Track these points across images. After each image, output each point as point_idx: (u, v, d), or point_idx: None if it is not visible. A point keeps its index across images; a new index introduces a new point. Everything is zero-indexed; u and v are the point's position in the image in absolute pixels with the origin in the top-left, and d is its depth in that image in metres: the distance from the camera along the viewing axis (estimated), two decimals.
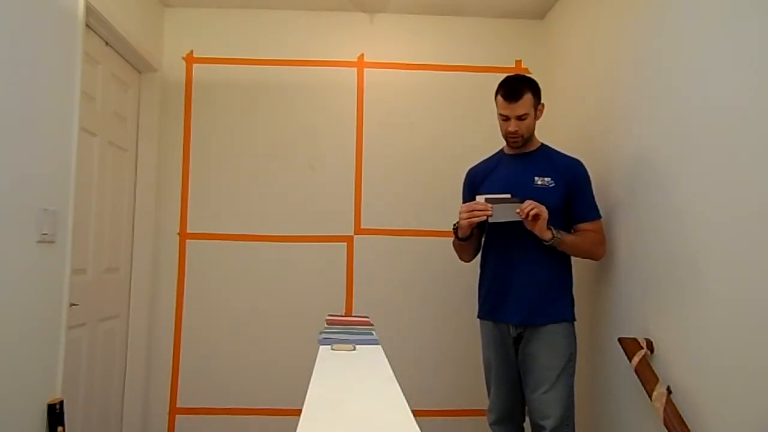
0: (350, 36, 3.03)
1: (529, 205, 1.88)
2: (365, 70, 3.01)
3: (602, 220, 2.10)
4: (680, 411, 1.64)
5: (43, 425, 1.87)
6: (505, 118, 2.06)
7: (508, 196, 1.97)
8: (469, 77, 2.99)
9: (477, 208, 1.97)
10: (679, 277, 1.74)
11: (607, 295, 2.19)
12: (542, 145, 2.16)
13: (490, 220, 1.97)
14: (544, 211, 1.89)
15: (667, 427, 1.63)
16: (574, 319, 2.07)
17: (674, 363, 1.75)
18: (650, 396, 1.73)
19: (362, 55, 3.02)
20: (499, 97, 2.06)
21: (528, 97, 2.02)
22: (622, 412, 2.06)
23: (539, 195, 1.97)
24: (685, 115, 1.75)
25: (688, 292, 1.69)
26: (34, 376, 1.85)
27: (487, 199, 1.98)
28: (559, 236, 1.95)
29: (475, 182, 2.20)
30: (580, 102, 2.58)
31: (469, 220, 1.99)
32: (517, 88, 2.03)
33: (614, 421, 2.13)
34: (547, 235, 1.93)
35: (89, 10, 2.13)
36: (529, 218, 1.89)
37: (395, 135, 2.99)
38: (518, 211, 1.90)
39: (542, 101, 2.10)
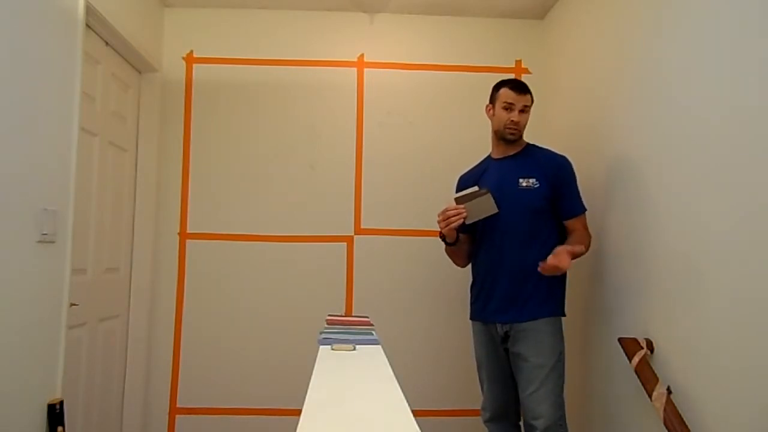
0: (350, 36, 3.02)
1: (549, 270, 1.91)
2: (365, 70, 3.01)
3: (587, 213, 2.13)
4: (680, 411, 1.64)
5: (43, 425, 1.87)
6: (509, 106, 2.11)
7: (475, 188, 1.98)
8: (469, 77, 2.99)
9: (450, 214, 2.00)
10: (679, 277, 1.74)
11: (607, 294, 2.19)
12: (527, 144, 2.20)
13: (467, 221, 1.99)
14: (563, 268, 1.90)
15: (667, 427, 1.63)
16: (563, 315, 2.08)
17: (674, 363, 1.75)
18: (650, 396, 1.73)
19: (362, 55, 3.02)
20: (506, 89, 2.14)
21: (530, 96, 2.14)
22: (622, 412, 2.06)
23: (524, 196, 2.04)
24: (685, 114, 1.75)
25: (688, 292, 1.69)
26: (34, 376, 1.84)
27: (456, 200, 2.00)
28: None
29: (466, 188, 2.22)
30: (580, 102, 2.58)
31: (449, 226, 2.01)
32: (524, 84, 2.17)
33: (614, 421, 2.13)
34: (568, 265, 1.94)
35: (89, 10, 2.13)
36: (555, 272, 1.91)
37: (395, 135, 2.99)
38: (540, 269, 1.92)
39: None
